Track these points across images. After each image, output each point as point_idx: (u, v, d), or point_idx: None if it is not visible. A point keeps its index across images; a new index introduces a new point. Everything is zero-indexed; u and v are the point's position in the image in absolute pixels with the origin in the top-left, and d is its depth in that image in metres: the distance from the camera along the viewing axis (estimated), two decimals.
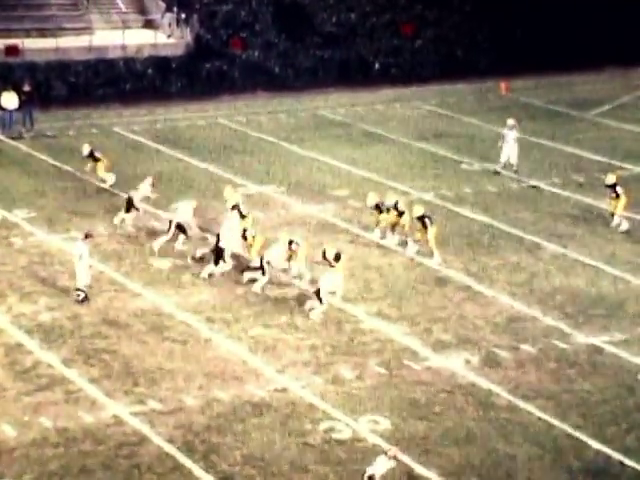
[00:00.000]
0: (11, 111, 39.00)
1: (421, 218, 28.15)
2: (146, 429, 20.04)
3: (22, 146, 37.57)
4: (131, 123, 40.69)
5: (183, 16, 46.72)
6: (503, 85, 46.86)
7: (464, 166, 36.46)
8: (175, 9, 46.94)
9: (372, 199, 29.47)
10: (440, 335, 24.24)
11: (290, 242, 26.44)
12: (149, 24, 47.35)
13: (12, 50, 42.31)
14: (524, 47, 48.71)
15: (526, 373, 22.66)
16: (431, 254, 27.99)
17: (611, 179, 31.19)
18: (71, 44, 44.09)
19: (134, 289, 25.93)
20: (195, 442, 19.69)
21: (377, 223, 29.50)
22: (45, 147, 37.36)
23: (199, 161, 36.38)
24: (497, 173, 34.80)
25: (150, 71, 44.53)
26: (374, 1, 49.62)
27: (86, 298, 24.94)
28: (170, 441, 19.66)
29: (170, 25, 46.47)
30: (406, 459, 19.31)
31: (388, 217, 29.18)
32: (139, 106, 42.61)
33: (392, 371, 22.54)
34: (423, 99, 45.69)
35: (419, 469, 19.11)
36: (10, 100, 38.98)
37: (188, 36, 46.22)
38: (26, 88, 39.47)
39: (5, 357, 22.55)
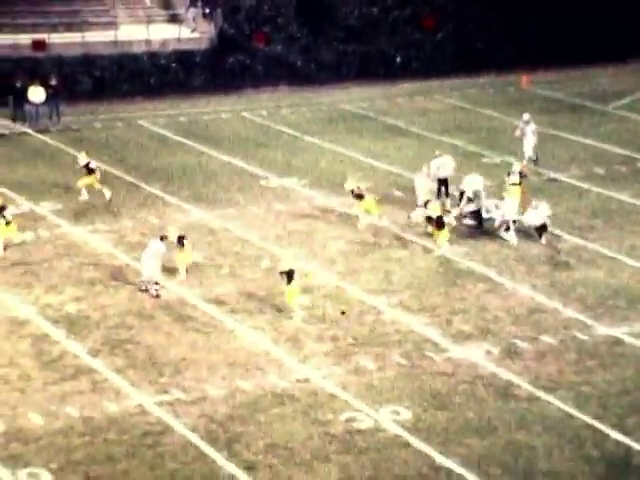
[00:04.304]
0: (38, 105, 39.12)
1: (438, 218, 27.86)
2: (170, 418, 20.06)
3: (48, 139, 37.67)
4: (155, 116, 40.73)
5: (207, 11, 46.70)
6: (524, 78, 46.64)
7: (485, 159, 36.31)
8: (199, 4, 46.91)
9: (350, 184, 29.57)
10: (461, 326, 24.17)
11: None
12: (173, 19, 47.32)
13: (39, 45, 42.41)
14: (545, 40, 48.43)
15: (546, 364, 22.56)
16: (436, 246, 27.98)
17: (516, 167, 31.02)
18: (97, 39, 44.11)
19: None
20: (218, 431, 19.70)
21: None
22: (71, 140, 37.43)
23: (222, 154, 36.38)
24: (534, 162, 34.60)
25: (174, 65, 44.54)
26: None
27: (146, 291, 24.96)
28: (194, 430, 19.68)
29: (194, 20, 46.45)
30: (427, 449, 19.28)
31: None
32: (163, 100, 42.64)
33: (413, 362, 22.49)
34: (444, 92, 45.54)
35: (440, 459, 19.05)
36: (37, 94, 39.09)
37: (212, 30, 46.19)
38: (53, 82, 39.61)
39: (32, 347, 22.62)
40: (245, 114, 41.71)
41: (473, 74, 47.37)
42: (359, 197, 29.74)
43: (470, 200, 29.74)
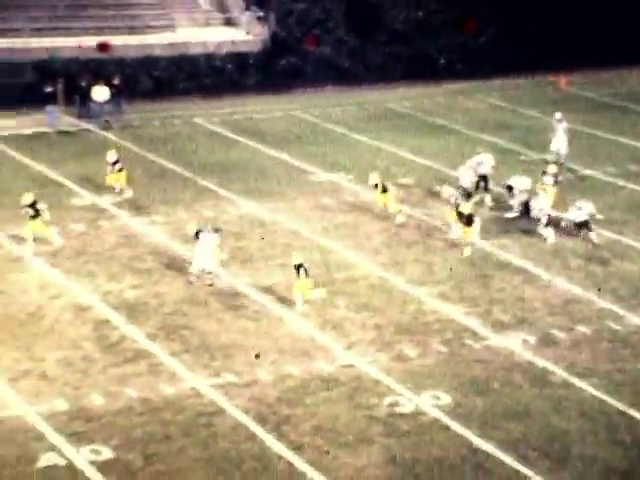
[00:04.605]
0: (101, 103, 39.34)
1: (469, 216, 27.47)
2: (222, 400, 20.11)
3: (111, 136, 37.88)
4: (210, 115, 40.82)
5: (261, 14, 46.74)
6: (563, 79, 46.23)
7: (523, 157, 36.04)
8: (253, 8, 46.98)
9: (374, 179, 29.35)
10: (499, 316, 24.02)
11: None
12: (229, 22, 47.43)
13: (103, 47, 42.67)
14: (584, 42, 47.94)
15: (581, 353, 22.38)
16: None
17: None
18: (156, 41, 44.31)
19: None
20: (268, 413, 19.73)
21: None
22: (132, 136, 37.63)
23: (273, 150, 36.40)
24: (547, 162, 34.09)
25: (229, 66, 44.60)
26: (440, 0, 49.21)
27: (195, 281, 24.99)
28: (245, 412, 19.72)
29: (248, 23, 46.50)
30: (465, 432, 19.20)
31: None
32: (218, 99, 42.71)
33: (453, 350, 22.39)
34: (485, 92, 45.25)
35: (478, 442, 18.96)
36: (101, 93, 39.33)
37: (265, 33, 46.21)
38: (115, 82, 39.81)
39: (94, 332, 22.77)
40: (295, 113, 41.69)
41: (513, 75, 47.03)
42: (384, 190, 29.61)
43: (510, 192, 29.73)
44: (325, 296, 24.05)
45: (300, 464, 18.19)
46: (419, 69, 47.05)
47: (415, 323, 23.60)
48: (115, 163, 31.08)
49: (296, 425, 19.38)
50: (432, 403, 20.24)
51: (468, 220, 27.47)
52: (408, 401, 20.29)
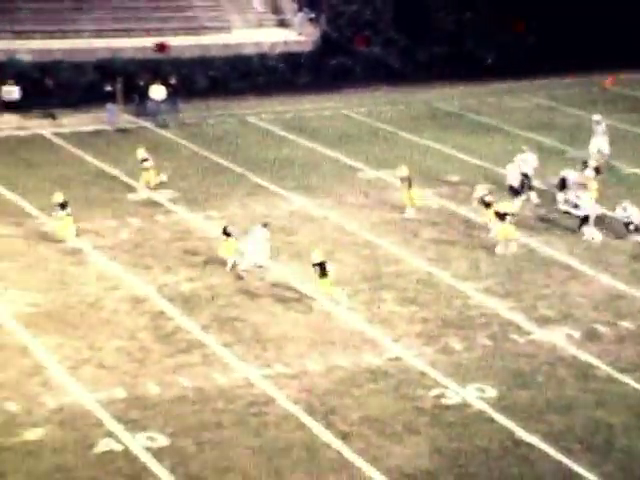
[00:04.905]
0: (159, 102, 39.47)
1: (504, 215, 26.89)
2: (273, 390, 20.08)
3: (167, 133, 38.01)
4: (263, 113, 40.81)
5: (312, 16, 46.66)
6: (608, 79, 45.64)
7: (568, 155, 35.62)
8: (305, 9, 46.91)
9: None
10: (544, 311, 23.75)
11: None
12: (282, 23, 47.38)
13: (161, 47, 42.85)
14: (630, 42, 47.28)
15: (625, 348, 22.06)
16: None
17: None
18: (212, 42, 44.38)
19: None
20: (317, 404, 19.66)
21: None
22: (187, 134, 37.72)
23: (323, 147, 36.31)
24: (585, 163, 33.48)
25: (281, 66, 44.55)
26: (488, 0, 48.75)
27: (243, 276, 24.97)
28: (294, 402, 19.67)
29: (300, 24, 46.43)
30: (510, 424, 19.00)
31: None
32: (271, 98, 42.68)
33: (498, 343, 22.17)
34: (531, 92, 44.79)
35: (522, 434, 18.77)
36: (158, 92, 39.46)
37: (316, 34, 46.12)
38: (172, 81, 39.92)
39: (150, 322, 22.85)
40: (345, 111, 41.55)
41: (559, 75, 46.51)
42: (409, 185, 29.45)
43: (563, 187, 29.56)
44: (346, 301, 23.70)
45: (348, 453, 18.11)
46: (467, 69, 46.68)
47: (461, 317, 23.40)
48: (144, 161, 31.05)
49: (344, 415, 19.30)
50: (477, 395, 20.06)
51: (502, 218, 26.98)
52: (454, 393, 20.12)
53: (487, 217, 27.95)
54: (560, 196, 29.74)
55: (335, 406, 19.60)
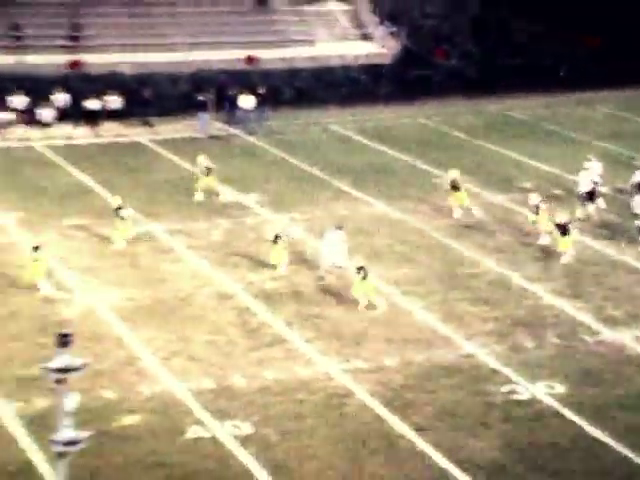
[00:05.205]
0: (248, 110, 39.81)
1: (564, 225, 26.14)
2: (351, 384, 20.11)
3: (256, 140, 38.30)
4: (345, 121, 40.87)
5: (393, 30, 46.60)
6: None
7: (637, 162, 35.03)
8: (387, 24, 46.88)
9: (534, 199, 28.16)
10: (612, 312, 23.41)
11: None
12: (365, 37, 47.39)
13: (252, 59, 43.21)
14: None
15: None
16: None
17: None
18: (298, 54, 44.62)
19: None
20: (393, 397, 19.64)
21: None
22: (274, 141, 37.96)
23: (402, 154, 36.25)
24: None
25: (363, 77, 44.61)
26: (562, 14, 48.16)
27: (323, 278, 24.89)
28: (372, 395, 19.68)
29: (382, 37, 46.41)
30: (578, 420, 18.79)
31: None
32: (353, 107, 42.68)
33: (567, 342, 21.92)
34: (602, 102, 44.13)
35: (590, 429, 18.54)
36: (247, 101, 39.80)
37: (397, 47, 46.06)
38: (260, 91, 40.21)
39: (237, 318, 23.04)
40: (423, 120, 41.42)
41: (632, 86, 45.70)
42: (455, 189, 29.22)
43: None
44: (383, 306, 23.38)
45: (422, 444, 18.06)
46: (540, 80, 46.18)
47: (532, 317, 23.19)
48: (206, 167, 30.78)
49: (419, 408, 19.26)
50: (546, 392, 19.86)
51: (564, 230, 26.21)
52: (524, 390, 19.94)
53: (541, 223, 27.47)
54: (637, 200, 28.97)
55: (410, 400, 19.57)
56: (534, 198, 28.00)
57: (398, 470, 17.34)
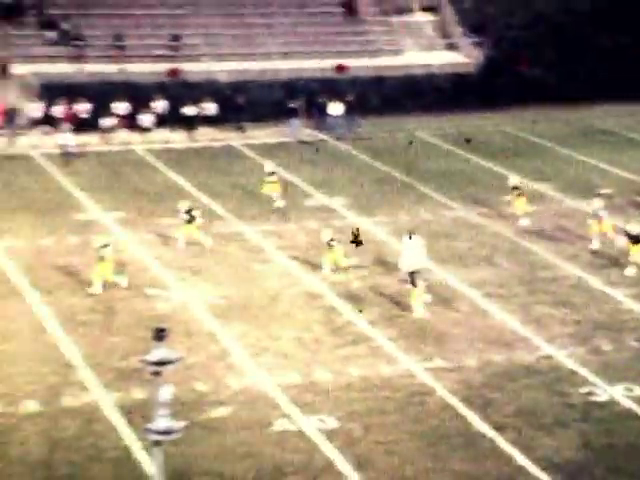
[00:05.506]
0: (336, 117, 39.75)
1: (636, 235, 25.08)
2: (432, 382, 19.87)
3: (344, 146, 38.22)
4: (430, 128, 40.52)
5: (478, 40, 46.10)
6: None
7: None
8: (471, 34, 46.39)
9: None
10: None
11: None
12: (450, 47, 46.98)
13: (341, 68, 43.19)
14: None
15: None
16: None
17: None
18: (386, 63, 44.42)
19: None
20: (473, 396, 19.33)
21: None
22: (362, 147, 37.82)
23: (485, 161, 35.77)
24: None
25: (449, 85, 44.20)
26: None
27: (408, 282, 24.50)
28: (452, 393, 19.40)
29: (467, 47, 45.94)
30: None
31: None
32: (437, 115, 42.30)
33: None
34: None
35: None
36: (336, 108, 39.76)
37: (481, 57, 45.55)
38: (349, 98, 40.10)
39: (324, 316, 22.96)
40: (506, 128, 40.83)
41: None
42: (520, 194, 28.56)
43: None
44: (422, 313, 22.78)
45: (502, 442, 17.72)
46: (623, 89, 45.10)
47: (611, 320, 22.62)
48: (272, 174, 30.44)
49: (499, 407, 18.92)
50: (625, 394, 19.33)
51: (636, 240, 25.19)
52: (603, 392, 19.44)
53: (601, 229, 26.78)
54: None
55: (490, 398, 19.23)
56: (594, 204, 27.26)
57: (478, 467, 17.04)
